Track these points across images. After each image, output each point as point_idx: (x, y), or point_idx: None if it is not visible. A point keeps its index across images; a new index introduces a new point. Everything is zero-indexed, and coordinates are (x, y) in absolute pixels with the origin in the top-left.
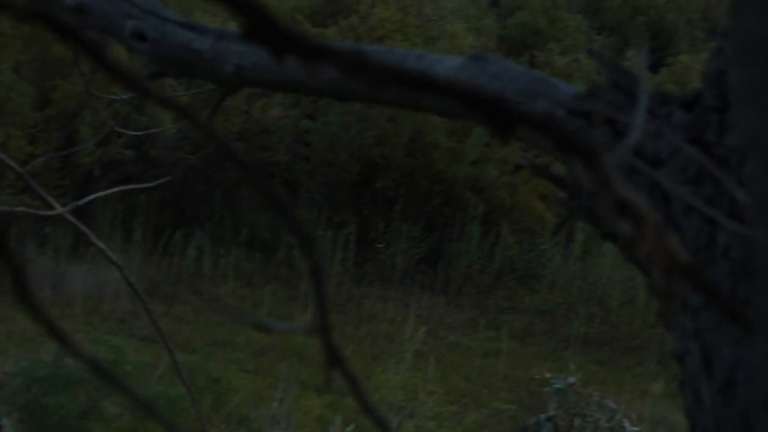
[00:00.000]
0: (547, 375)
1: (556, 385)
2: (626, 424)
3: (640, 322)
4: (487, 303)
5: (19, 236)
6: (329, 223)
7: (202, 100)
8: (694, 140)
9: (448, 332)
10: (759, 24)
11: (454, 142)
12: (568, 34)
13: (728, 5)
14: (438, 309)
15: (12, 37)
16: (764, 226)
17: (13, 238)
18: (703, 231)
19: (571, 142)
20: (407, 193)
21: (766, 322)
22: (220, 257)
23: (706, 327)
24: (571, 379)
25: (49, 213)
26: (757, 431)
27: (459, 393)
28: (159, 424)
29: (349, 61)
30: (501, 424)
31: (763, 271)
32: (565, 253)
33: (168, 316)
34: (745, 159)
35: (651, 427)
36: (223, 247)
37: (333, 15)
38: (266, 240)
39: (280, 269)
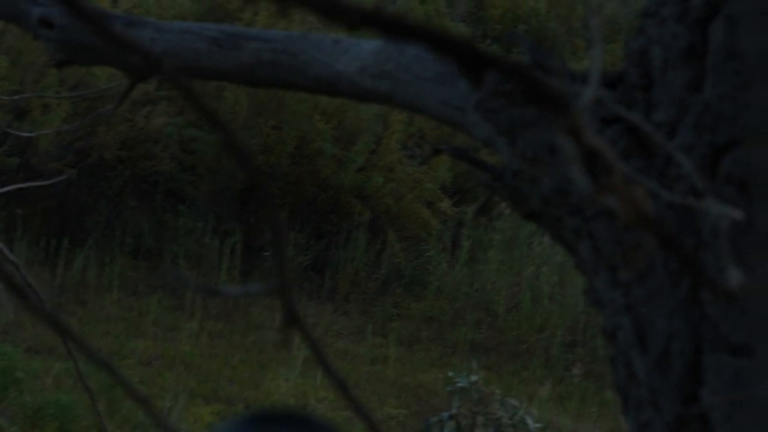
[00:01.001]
0: (450, 374)
1: (459, 384)
2: (528, 421)
3: (527, 327)
4: (374, 310)
5: None
6: (215, 232)
7: (89, 102)
8: (620, 118)
9: (336, 339)
10: None
11: (339, 149)
12: None
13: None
14: (325, 316)
15: None
16: None
17: None
18: None
19: (541, 87)
20: (293, 201)
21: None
22: (105, 267)
23: (639, 301)
24: (474, 378)
25: None
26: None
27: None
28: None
29: (325, 5)
30: (391, 430)
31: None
32: (451, 260)
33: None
34: (673, 134)
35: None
36: (108, 257)
37: (217, 22)
38: (151, 249)
39: (165, 278)
